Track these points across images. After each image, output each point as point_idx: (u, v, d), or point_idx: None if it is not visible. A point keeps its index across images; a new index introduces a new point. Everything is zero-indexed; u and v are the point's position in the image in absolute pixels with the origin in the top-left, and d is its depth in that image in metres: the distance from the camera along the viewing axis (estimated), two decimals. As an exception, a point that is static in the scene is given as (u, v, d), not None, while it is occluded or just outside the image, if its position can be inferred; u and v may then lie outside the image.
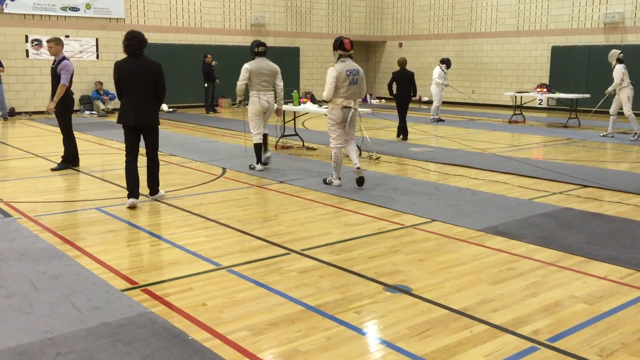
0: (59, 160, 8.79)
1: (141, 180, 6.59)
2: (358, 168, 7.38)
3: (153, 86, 6.41)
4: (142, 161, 6.60)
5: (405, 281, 4.33)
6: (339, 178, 7.59)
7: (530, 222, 5.87)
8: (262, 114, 8.48)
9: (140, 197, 6.88)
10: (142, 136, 6.59)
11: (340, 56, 7.27)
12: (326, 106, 10.33)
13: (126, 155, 6.57)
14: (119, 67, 6.40)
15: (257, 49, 8.47)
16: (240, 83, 8.32)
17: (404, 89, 12.13)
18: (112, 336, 3.39)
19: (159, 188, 6.87)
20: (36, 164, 9.02)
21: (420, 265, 4.68)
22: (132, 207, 6.42)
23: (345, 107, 7.27)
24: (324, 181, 7.66)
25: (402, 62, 12.39)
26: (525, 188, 7.52)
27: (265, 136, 8.66)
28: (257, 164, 8.65)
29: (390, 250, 5.04)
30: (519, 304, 3.92)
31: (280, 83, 8.61)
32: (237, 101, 8.74)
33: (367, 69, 24.94)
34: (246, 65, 8.33)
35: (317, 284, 4.26)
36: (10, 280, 4.26)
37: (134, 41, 6.31)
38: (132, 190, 6.52)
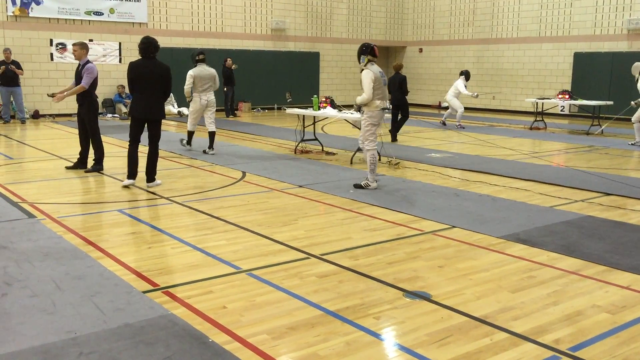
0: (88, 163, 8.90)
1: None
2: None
3: (163, 85, 7.39)
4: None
5: (424, 287, 4.32)
6: (376, 180, 7.66)
7: (552, 230, 5.82)
8: (201, 111, 10.37)
9: (160, 200, 6.96)
10: (147, 128, 7.52)
11: (369, 61, 7.51)
12: (346, 111, 10.42)
13: (129, 143, 7.56)
14: (134, 67, 7.39)
15: (198, 57, 10.21)
16: (187, 87, 10.16)
17: (395, 93, 12.51)
18: (134, 337, 3.43)
19: (156, 177, 7.67)
20: (60, 166, 9.15)
21: (440, 271, 4.67)
22: (127, 187, 7.52)
23: (383, 108, 7.56)
24: (358, 186, 7.65)
25: (396, 67, 12.99)
26: (547, 195, 7.46)
27: (212, 134, 10.48)
28: (188, 144, 10.77)
29: (410, 256, 5.03)
30: (540, 313, 3.88)
31: (217, 83, 10.48)
32: (188, 101, 10.59)
33: (387, 74, 24.85)
34: (190, 72, 10.10)
35: (336, 288, 4.27)
36: (35, 280, 4.33)
37: (150, 45, 7.31)
38: (131, 171, 7.54)
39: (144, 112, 7.38)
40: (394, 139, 12.54)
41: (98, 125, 8.72)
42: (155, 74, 7.30)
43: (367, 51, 7.49)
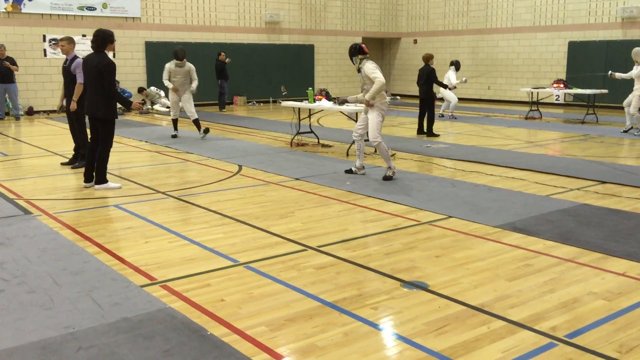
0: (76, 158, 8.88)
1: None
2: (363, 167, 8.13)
3: (100, 80, 7.01)
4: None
5: (422, 277, 4.33)
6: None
7: (548, 219, 5.84)
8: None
9: (157, 194, 6.95)
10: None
11: (362, 59, 7.61)
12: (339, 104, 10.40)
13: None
14: (82, 61, 7.42)
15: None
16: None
17: (422, 86, 12.14)
18: (133, 331, 3.43)
19: (103, 180, 7.20)
20: (55, 162, 9.13)
21: (436, 261, 4.68)
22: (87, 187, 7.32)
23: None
24: (388, 178, 7.65)
25: (425, 58, 12.42)
26: (543, 184, 7.48)
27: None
28: (175, 130, 11.93)
29: (407, 247, 5.04)
30: (536, 300, 3.90)
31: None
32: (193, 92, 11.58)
33: (382, 66, 24.85)
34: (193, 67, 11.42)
35: (333, 280, 4.28)
36: (32, 276, 4.33)
37: (94, 38, 7.09)
38: (85, 174, 7.32)
39: (85, 107, 7.29)
40: (421, 132, 12.21)
41: (85, 121, 8.67)
42: (93, 69, 7.02)
43: (357, 51, 7.64)
